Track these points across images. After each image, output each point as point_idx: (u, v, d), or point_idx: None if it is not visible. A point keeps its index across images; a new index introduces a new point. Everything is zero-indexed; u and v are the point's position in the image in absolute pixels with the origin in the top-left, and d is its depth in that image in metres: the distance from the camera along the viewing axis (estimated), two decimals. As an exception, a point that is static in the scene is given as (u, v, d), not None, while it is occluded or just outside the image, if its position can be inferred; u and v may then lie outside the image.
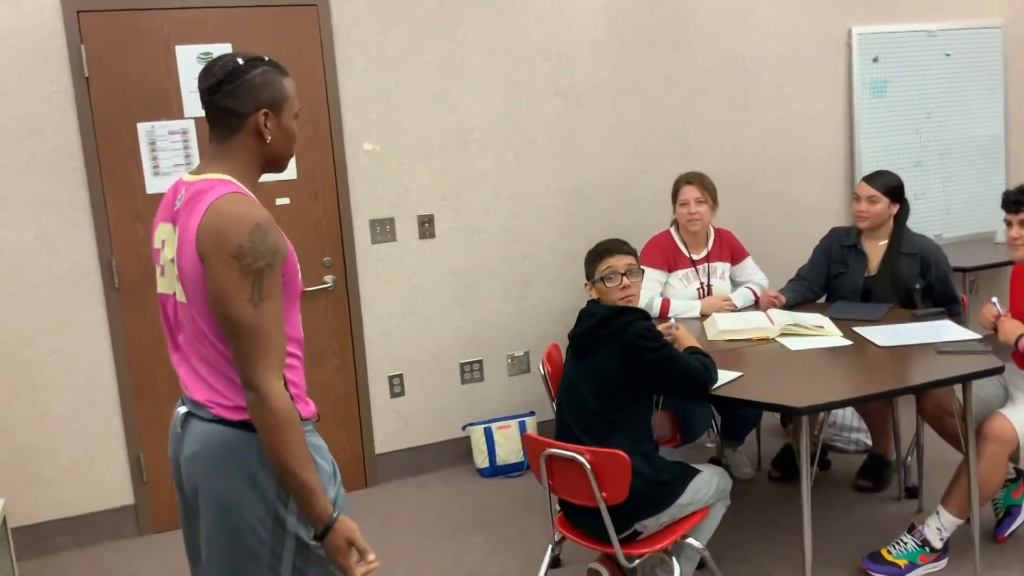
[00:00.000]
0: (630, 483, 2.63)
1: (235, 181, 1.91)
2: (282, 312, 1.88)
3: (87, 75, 3.69)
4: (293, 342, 1.96)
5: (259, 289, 1.81)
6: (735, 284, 4.13)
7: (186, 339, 1.96)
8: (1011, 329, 3.14)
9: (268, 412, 1.81)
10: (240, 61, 1.92)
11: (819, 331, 3.49)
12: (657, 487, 2.74)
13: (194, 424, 1.95)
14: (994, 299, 3.36)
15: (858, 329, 3.46)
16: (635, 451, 2.73)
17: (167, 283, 1.98)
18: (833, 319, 3.62)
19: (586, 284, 3.08)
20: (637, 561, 2.74)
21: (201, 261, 1.82)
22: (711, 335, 3.58)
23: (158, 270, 2.02)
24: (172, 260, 1.93)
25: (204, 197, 1.86)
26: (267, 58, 1.97)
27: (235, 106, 1.92)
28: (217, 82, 1.91)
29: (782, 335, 3.51)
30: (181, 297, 1.92)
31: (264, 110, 1.93)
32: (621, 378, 2.81)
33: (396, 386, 4.34)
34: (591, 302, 3.02)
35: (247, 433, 1.89)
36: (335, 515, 1.88)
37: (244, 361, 1.82)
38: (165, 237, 1.97)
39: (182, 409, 2.00)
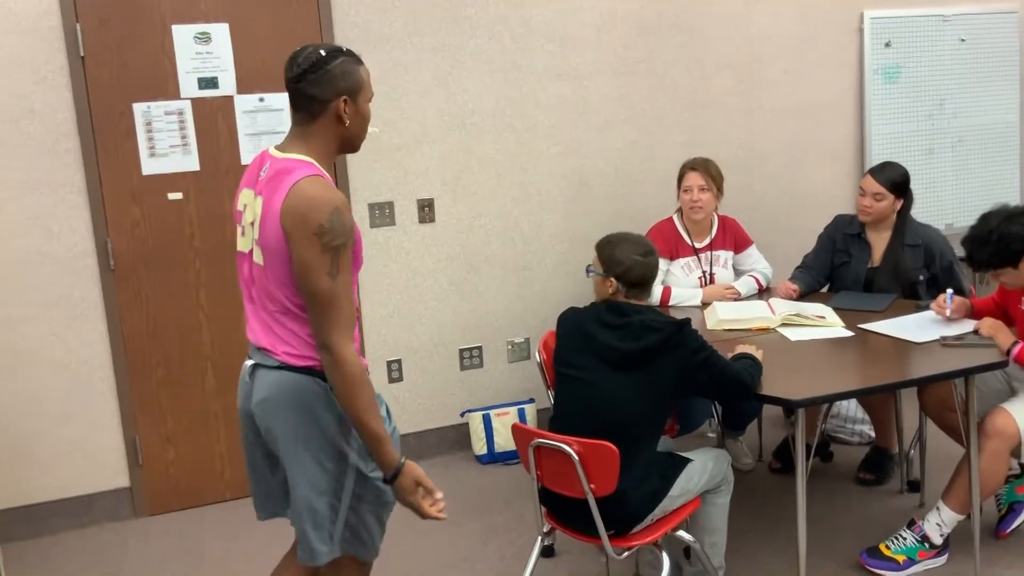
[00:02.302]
0: (637, 493, 2.61)
1: (315, 163, 2.15)
2: (352, 284, 2.14)
3: (83, 55, 3.65)
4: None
5: (336, 264, 2.07)
6: (738, 273, 4.07)
7: (258, 295, 2.22)
8: (1002, 338, 3.06)
9: (343, 372, 2.07)
10: (322, 52, 2.14)
11: (821, 321, 3.42)
12: (647, 487, 2.70)
13: (261, 373, 2.22)
14: (949, 291, 3.32)
15: (863, 325, 3.39)
16: (653, 461, 2.70)
17: (246, 243, 2.24)
18: (836, 309, 3.55)
19: (608, 281, 2.84)
20: (626, 554, 2.69)
21: (285, 236, 2.07)
22: (711, 324, 3.52)
23: (239, 230, 2.28)
24: (252, 224, 2.19)
25: (288, 177, 2.09)
26: (345, 48, 2.19)
27: (318, 93, 2.13)
28: (302, 72, 2.13)
29: (783, 325, 3.44)
30: (259, 259, 2.18)
31: (344, 97, 2.15)
32: (669, 391, 2.71)
33: (394, 371, 4.30)
34: (615, 305, 2.80)
35: (308, 377, 2.16)
36: (402, 460, 2.17)
37: (322, 326, 2.07)
38: (247, 202, 2.23)
39: (249, 362, 2.26)
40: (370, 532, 2.30)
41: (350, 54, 2.18)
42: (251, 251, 2.22)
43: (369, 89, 2.22)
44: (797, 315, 3.47)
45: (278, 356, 2.19)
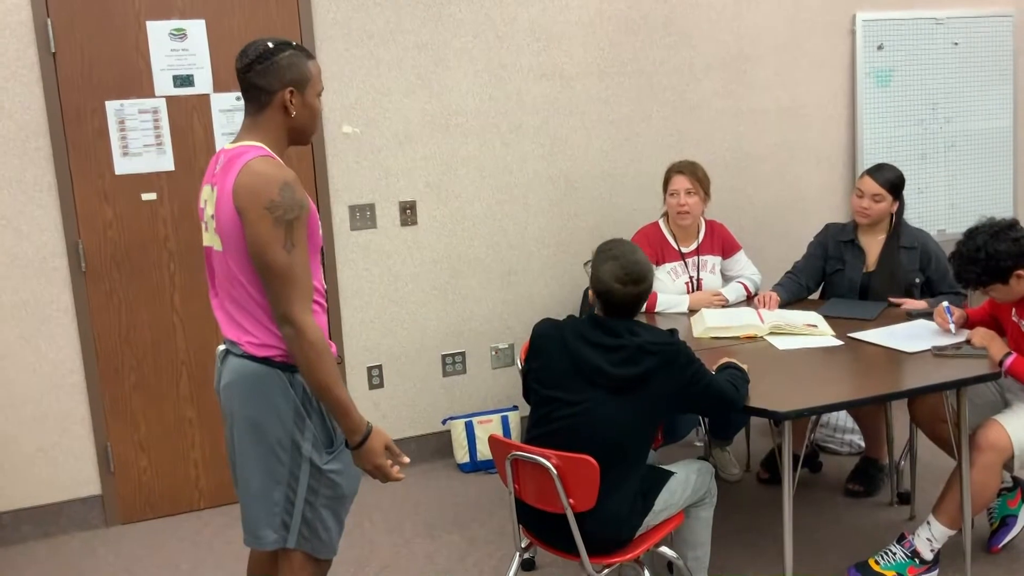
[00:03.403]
0: (621, 516, 2.53)
1: (265, 147, 2.21)
2: (309, 261, 2.19)
3: (54, 51, 3.55)
4: (316, 292, 2.25)
5: (290, 237, 2.11)
6: (726, 279, 3.98)
7: (221, 285, 2.27)
8: (995, 349, 2.98)
9: (305, 342, 2.11)
10: (271, 44, 2.22)
11: (811, 330, 3.34)
12: (631, 508, 2.61)
13: (230, 359, 2.28)
14: (945, 304, 3.24)
15: (854, 334, 3.30)
16: (640, 484, 2.62)
17: (209, 237, 2.28)
18: (827, 317, 3.47)
19: (592, 293, 2.70)
20: (606, 571, 2.60)
21: (239, 215, 2.12)
22: (697, 332, 3.43)
23: (203, 226, 2.34)
24: (212, 216, 2.23)
25: (239, 160, 2.16)
26: (294, 43, 2.26)
27: (264, 84, 2.20)
28: (250, 62, 2.20)
29: (771, 334, 3.36)
30: (218, 247, 2.22)
31: (290, 88, 2.22)
32: (663, 410, 2.60)
33: (375, 378, 4.20)
34: (600, 322, 2.63)
35: (269, 368, 2.21)
36: (370, 425, 2.22)
37: (280, 300, 2.12)
38: (207, 197, 2.29)
39: (221, 347, 2.33)
40: (327, 528, 2.32)
41: (299, 48, 2.26)
42: (212, 245, 2.27)
43: (318, 83, 2.28)
44: (786, 324, 3.38)
45: (242, 347, 2.24)
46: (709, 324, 3.43)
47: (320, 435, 2.27)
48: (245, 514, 2.35)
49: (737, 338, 3.35)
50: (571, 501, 2.48)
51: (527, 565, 3.37)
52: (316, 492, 2.27)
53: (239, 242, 2.15)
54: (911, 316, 3.44)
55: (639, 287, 2.59)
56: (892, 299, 3.62)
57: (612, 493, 2.51)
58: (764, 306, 3.64)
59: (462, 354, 4.34)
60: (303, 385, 2.24)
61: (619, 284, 2.58)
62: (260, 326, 2.22)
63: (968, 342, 3.08)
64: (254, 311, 2.22)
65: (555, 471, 2.45)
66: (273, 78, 2.20)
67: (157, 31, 3.66)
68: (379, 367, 4.20)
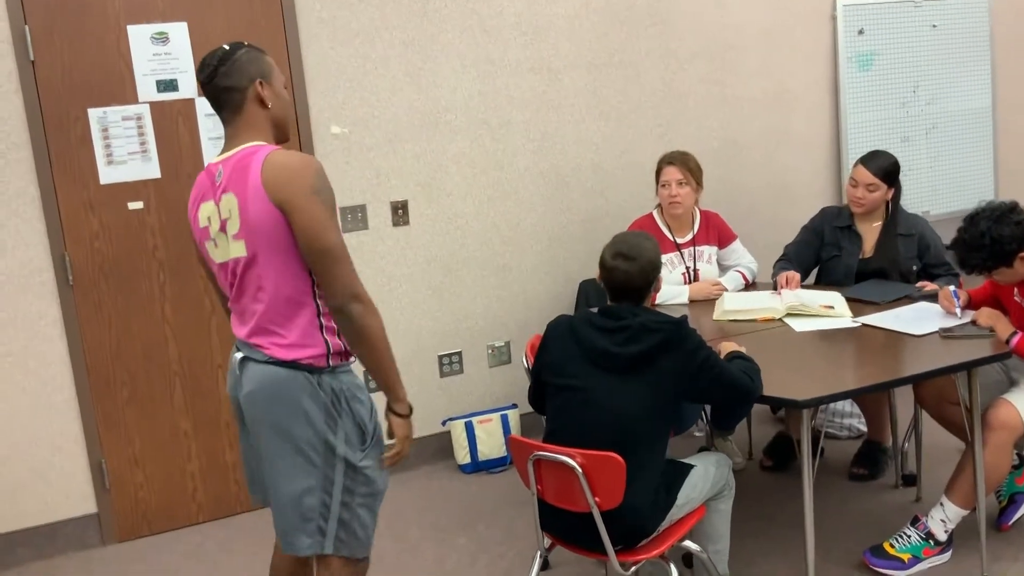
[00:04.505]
0: (644, 506, 2.50)
1: (267, 143, 2.22)
2: None
3: (32, 58, 3.44)
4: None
5: (335, 219, 2.14)
6: (723, 268, 3.97)
7: (249, 289, 2.22)
8: (1002, 328, 2.99)
9: (374, 315, 2.16)
10: (226, 47, 2.24)
11: (828, 311, 3.35)
12: (653, 499, 2.58)
13: (250, 366, 2.24)
14: (952, 288, 3.25)
15: (860, 318, 3.30)
16: (658, 471, 2.59)
17: (224, 250, 2.23)
18: (852, 300, 3.45)
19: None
20: (633, 568, 2.57)
21: (280, 208, 2.09)
22: (717, 315, 3.48)
23: (209, 245, 2.28)
24: (226, 222, 2.18)
25: (252, 160, 2.14)
26: (246, 42, 2.29)
27: (233, 83, 2.22)
28: (212, 69, 2.21)
29: (788, 315, 3.38)
30: (242, 252, 2.17)
31: (258, 80, 2.24)
32: (671, 394, 2.57)
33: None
34: (606, 308, 2.66)
35: (295, 372, 2.19)
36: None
37: (343, 280, 2.12)
38: (209, 214, 2.24)
39: (239, 355, 2.28)
40: (364, 526, 2.32)
41: (252, 45, 2.29)
42: (230, 256, 2.22)
43: (280, 74, 2.31)
44: (802, 304, 3.39)
45: (267, 351, 2.21)
46: (727, 307, 3.48)
47: (352, 433, 2.25)
48: (278, 522, 2.32)
49: (755, 320, 3.38)
50: (597, 499, 2.44)
51: (542, 565, 3.33)
52: (352, 492, 2.26)
53: (277, 240, 2.13)
54: (913, 299, 3.45)
55: (631, 263, 2.62)
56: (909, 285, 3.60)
57: (630, 483, 2.48)
58: (786, 286, 3.64)
59: (459, 354, 4.29)
60: (331, 385, 2.23)
61: (611, 259, 2.64)
62: (293, 327, 2.19)
63: (974, 322, 3.09)
64: (288, 313, 2.19)
65: (580, 470, 2.41)
66: (240, 75, 2.22)
67: (138, 35, 3.57)
68: (376, 370, 4.14)
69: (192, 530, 3.87)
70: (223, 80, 2.21)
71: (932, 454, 3.80)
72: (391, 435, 2.33)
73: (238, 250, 2.19)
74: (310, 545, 2.27)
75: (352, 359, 2.31)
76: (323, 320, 2.23)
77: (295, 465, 2.21)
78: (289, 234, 2.13)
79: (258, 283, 2.19)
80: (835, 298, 3.46)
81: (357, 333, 2.16)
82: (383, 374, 2.23)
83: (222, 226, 2.20)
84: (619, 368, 2.56)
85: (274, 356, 2.20)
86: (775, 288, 3.67)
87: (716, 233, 3.96)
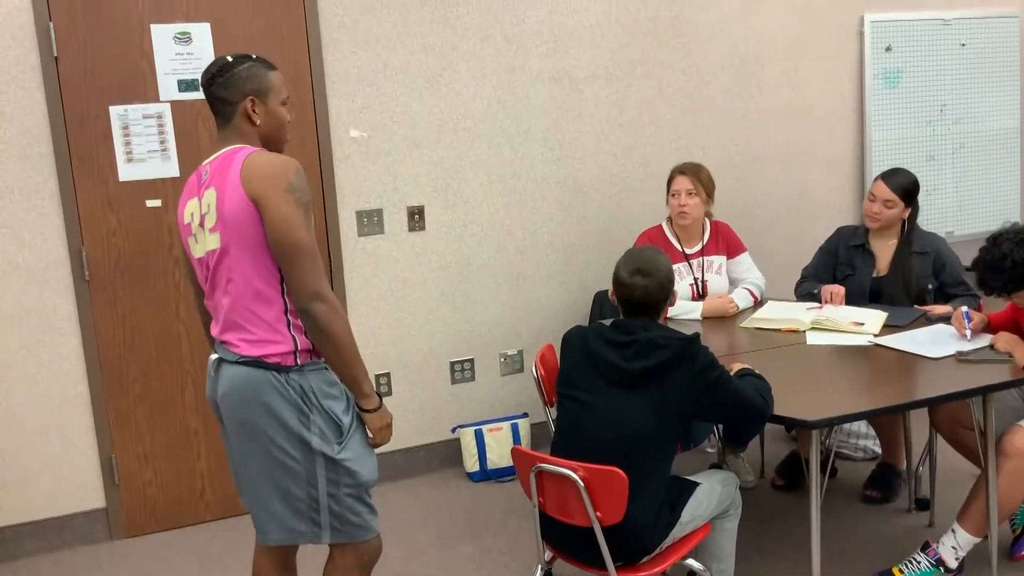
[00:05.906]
0: (647, 523, 2.47)
1: (252, 147, 2.28)
2: None
3: (56, 55, 3.48)
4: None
5: (308, 219, 2.19)
6: (730, 280, 3.93)
7: (220, 282, 2.26)
8: (1020, 353, 2.93)
9: (338, 314, 2.20)
10: (230, 58, 2.30)
11: (855, 328, 3.34)
12: (657, 516, 2.55)
13: (224, 368, 2.29)
14: (965, 308, 3.20)
15: (878, 340, 3.24)
16: (663, 487, 2.56)
17: (201, 247, 2.29)
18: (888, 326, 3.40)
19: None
20: (633, 585, 2.54)
21: (254, 203, 2.15)
22: (745, 323, 3.54)
23: (191, 240, 2.33)
24: (205, 217, 2.24)
25: (233, 159, 2.21)
26: (255, 56, 2.34)
27: (226, 95, 2.29)
28: (211, 77, 2.29)
29: (812, 329, 3.40)
30: (216, 244, 2.22)
31: (251, 97, 2.29)
32: (678, 411, 2.54)
33: (383, 385, 4.14)
34: (619, 323, 2.63)
35: (263, 372, 2.23)
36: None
37: (308, 278, 2.17)
38: (192, 211, 2.31)
39: (214, 356, 2.35)
40: (357, 513, 2.36)
41: (260, 59, 2.34)
42: (208, 248, 2.27)
43: (282, 92, 2.35)
44: (828, 319, 3.40)
45: (236, 349, 2.26)
46: (756, 316, 3.56)
47: (327, 428, 2.28)
48: (257, 518, 2.39)
49: (779, 330, 3.42)
50: (598, 514, 2.42)
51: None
52: (337, 483, 2.31)
53: (249, 234, 2.18)
54: (930, 320, 3.39)
55: (647, 278, 2.60)
56: (920, 307, 3.56)
57: (634, 499, 2.46)
58: (830, 301, 3.62)
59: (471, 361, 4.27)
60: (299, 383, 2.26)
61: (629, 276, 2.61)
62: (260, 322, 2.24)
63: (991, 347, 3.03)
64: (256, 307, 2.24)
65: (582, 483, 2.39)
66: (234, 89, 2.28)
67: (161, 34, 3.59)
68: (387, 375, 4.14)
69: (199, 528, 3.88)
70: (218, 90, 2.29)
71: (947, 478, 3.74)
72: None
73: (213, 242, 2.24)
74: (305, 533, 2.35)
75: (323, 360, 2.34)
76: (290, 317, 2.26)
77: (274, 464, 2.27)
78: (261, 229, 2.18)
79: (228, 275, 2.24)
80: (866, 315, 3.43)
81: (321, 332, 2.21)
82: (348, 372, 2.27)
83: (201, 221, 2.26)
84: (626, 382, 2.54)
85: (243, 354, 2.25)
86: (819, 301, 3.67)
87: (725, 243, 3.92)
